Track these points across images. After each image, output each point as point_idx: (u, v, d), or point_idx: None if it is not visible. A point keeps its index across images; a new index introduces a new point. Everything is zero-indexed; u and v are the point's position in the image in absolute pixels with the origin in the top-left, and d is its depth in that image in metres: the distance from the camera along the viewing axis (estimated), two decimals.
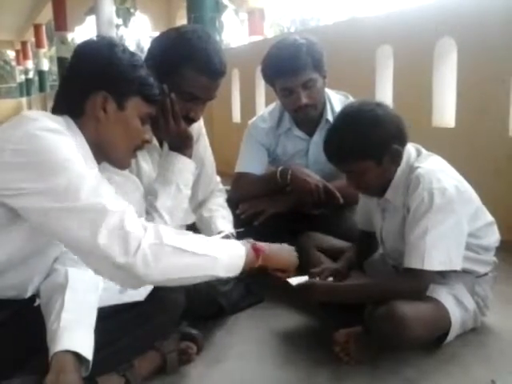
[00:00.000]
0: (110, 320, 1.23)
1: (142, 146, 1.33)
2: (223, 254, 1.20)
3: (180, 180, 1.62)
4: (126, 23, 8.53)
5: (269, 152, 2.20)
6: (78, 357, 1.13)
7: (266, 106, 2.78)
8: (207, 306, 1.67)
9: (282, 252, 1.44)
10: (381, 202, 1.62)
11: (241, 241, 1.33)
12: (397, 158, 1.51)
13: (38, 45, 17.16)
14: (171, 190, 1.60)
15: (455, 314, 1.48)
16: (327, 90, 2.12)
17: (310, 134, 2.14)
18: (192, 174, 1.68)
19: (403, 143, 1.52)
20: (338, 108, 2.07)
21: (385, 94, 3.24)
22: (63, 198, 1.03)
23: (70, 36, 11.55)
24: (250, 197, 2.09)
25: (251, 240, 1.35)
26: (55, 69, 17.76)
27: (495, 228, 1.59)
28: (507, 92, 2.51)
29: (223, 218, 1.86)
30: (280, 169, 2.04)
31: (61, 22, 10.97)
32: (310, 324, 1.75)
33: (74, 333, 1.15)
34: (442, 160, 1.57)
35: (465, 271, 1.52)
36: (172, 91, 1.53)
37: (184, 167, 1.63)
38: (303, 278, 1.73)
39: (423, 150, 1.58)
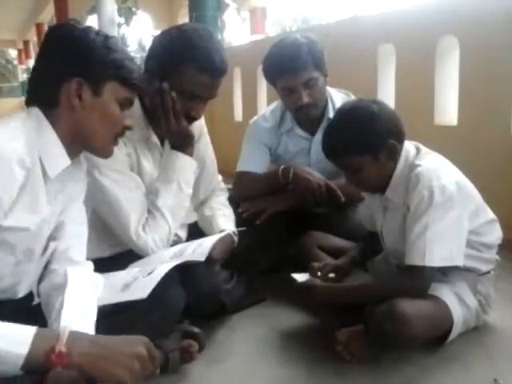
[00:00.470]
0: (110, 319, 1.23)
1: (123, 132, 1.26)
2: None
3: (181, 179, 1.62)
4: (127, 22, 8.57)
5: (270, 151, 2.20)
6: None
7: (267, 105, 2.77)
8: (209, 305, 1.67)
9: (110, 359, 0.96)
10: (383, 200, 1.62)
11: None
12: (393, 153, 1.51)
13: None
14: (172, 188, 1.60)
15: (457, 313, 1.48)
16: (329, 89, 2.12)
17: (312, 132, 2.13)
18: (193, 172, 1.68)
19: (400, 139, 1.53)
20: None
21: (387, 93, 3.23)
22: None
23: None
24: (251, 196, 2.08)
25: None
26: None
27: (497, 226, 1.59)
28: (510, 90, 2.50)
29: (225, 217, 1.86)
30: (282, 167, 2.03)
31: (63, 21, 10.98)
32: (312, 323, 1.75)
33: None
34: (442, 157, 1.57)
35: (467, 269, 1.51)
36: (173, 89, 1.53)
37: (185, 166, 1.63)
38: (305, 275, 1.73)
39: (422, 148, 1.58)
